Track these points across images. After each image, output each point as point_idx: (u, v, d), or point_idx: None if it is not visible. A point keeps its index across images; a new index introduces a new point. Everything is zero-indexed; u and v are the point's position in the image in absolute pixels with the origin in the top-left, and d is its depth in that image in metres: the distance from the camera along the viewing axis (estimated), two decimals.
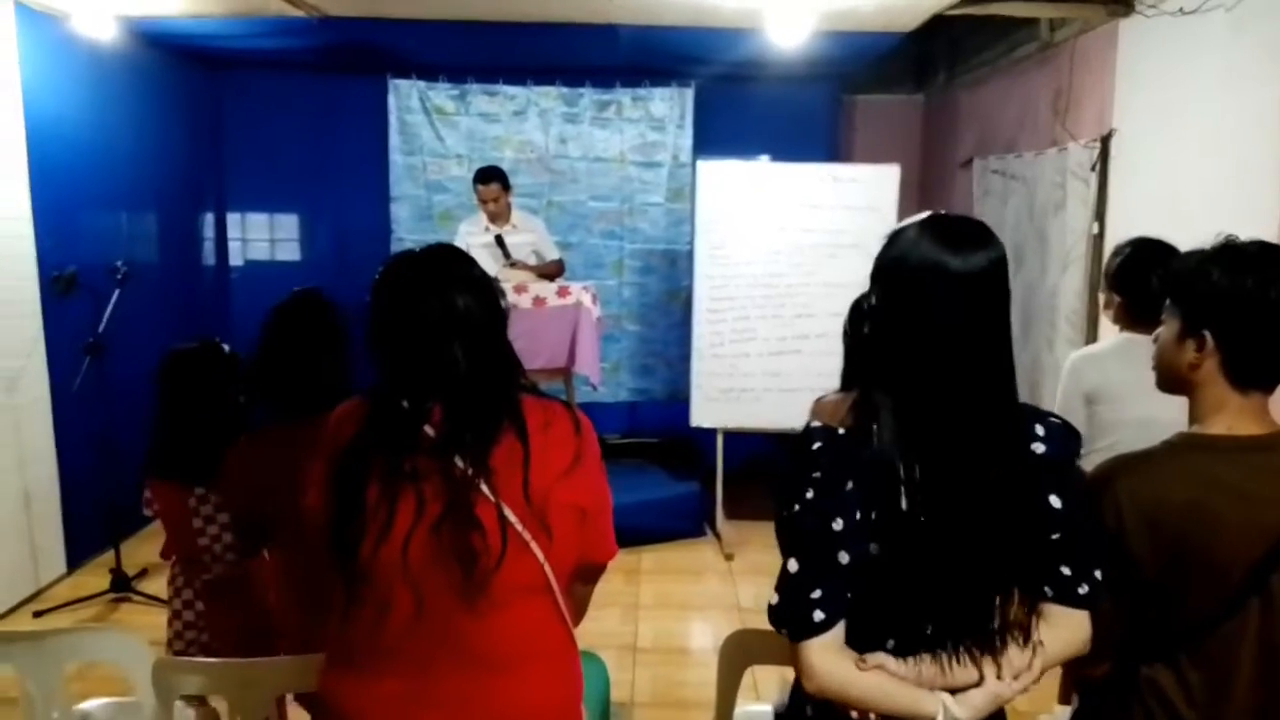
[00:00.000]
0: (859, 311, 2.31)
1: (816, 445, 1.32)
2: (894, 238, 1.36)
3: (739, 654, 2.24)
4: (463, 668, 1.49)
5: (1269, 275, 1.44)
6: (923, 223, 1.34)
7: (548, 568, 1.49)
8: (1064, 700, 1.77)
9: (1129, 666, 1.56)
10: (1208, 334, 1.50)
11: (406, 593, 1.45)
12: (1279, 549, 1.44)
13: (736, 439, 5.35)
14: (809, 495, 1.30)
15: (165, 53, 5.68)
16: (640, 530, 5.15)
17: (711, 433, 5.41)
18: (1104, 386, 2.65)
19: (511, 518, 1.45)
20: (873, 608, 1.33)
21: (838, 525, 1.28)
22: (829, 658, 1.31)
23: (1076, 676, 1.70)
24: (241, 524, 2.27)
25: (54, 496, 4.63)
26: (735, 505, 5.34)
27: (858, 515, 1.28)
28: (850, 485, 1.29)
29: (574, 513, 1.52)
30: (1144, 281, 2.58)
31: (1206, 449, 1.52)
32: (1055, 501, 1.34)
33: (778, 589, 1.34)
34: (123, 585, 4.40)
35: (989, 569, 1.33)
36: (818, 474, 1.30)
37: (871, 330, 1.36)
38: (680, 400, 5.67)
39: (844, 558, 1.28)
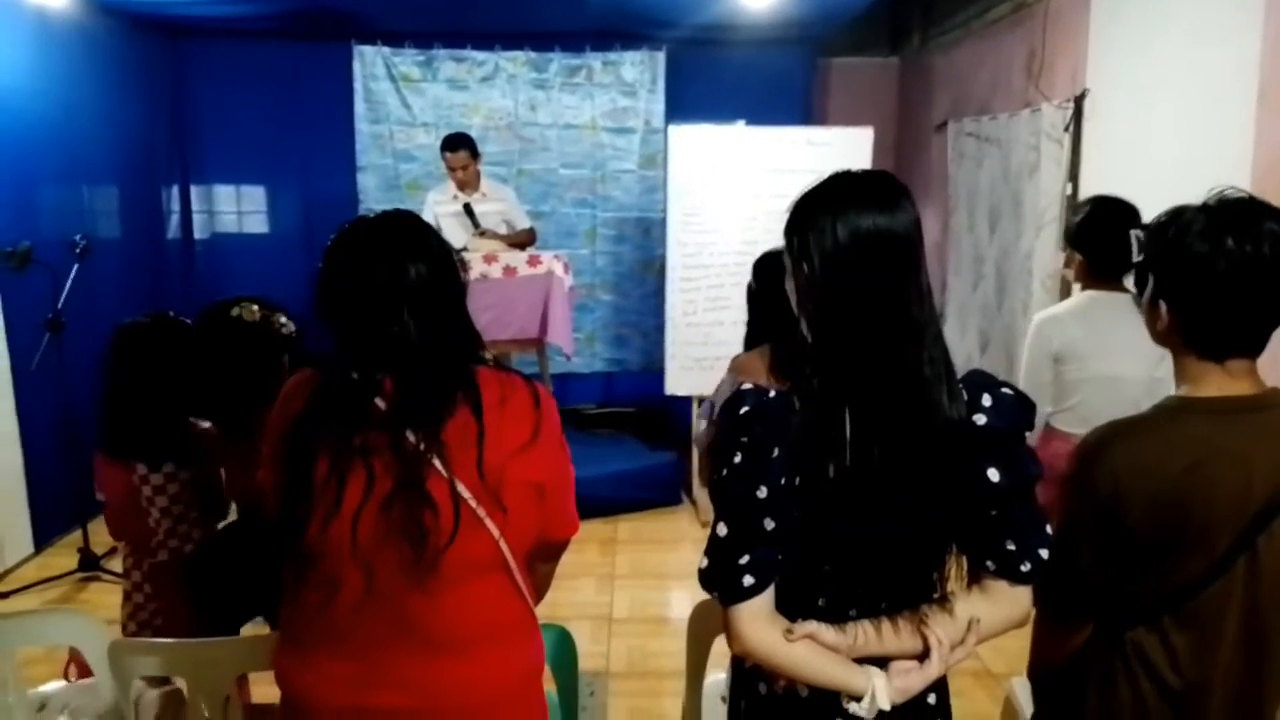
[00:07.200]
0: (768, 275, 2.26)
1: (745, 409, 1.29)
2: (808, 205, 1.29)
3: (707, 624, 2.22)
4: (414, 648, 1.45)
5: (1225, 246, 1.37)
6: (835, 186, 1.29)
7: (503, 544, 1.45)
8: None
9: (1112, 630, 1.53)
10: (1163, 304, 1.46)
11: (356, 572, 1.41)
12: (1267, 511, 1.42)
13: None
14: (736, 460, 1.28)
15: (122, 20, 5.53)
16: (616, 500, 5.15)
17: (686, 401, 5.38)
18: (1068, 346, 2.68)
19: (465, 493, 1.40)
20: (803, 568, 1.31)
21: (762, 493, 1.25)
22: (759, 624, 1.29)
23: (1046, 659, 1.66)
24: None
25: (18, 476, 4.55)
26: None
27: (783, 481, 1.25)
28: (777, 452, 1.25)
29: (531, 489, 1.47)
30: (1103, 239, 2.60)
31: (1202, 412, 1.47)
32: (994, 475, 1.27)
33: (707, 553, 1.32)
34: (91, 564, 4.35)
35: (916, 537, 1.30)
36: (745, 439, 1.27)
37: (809, 299, 1.29)
38: (656, 370, 5.63)
39: (769, 524, 1.25)
